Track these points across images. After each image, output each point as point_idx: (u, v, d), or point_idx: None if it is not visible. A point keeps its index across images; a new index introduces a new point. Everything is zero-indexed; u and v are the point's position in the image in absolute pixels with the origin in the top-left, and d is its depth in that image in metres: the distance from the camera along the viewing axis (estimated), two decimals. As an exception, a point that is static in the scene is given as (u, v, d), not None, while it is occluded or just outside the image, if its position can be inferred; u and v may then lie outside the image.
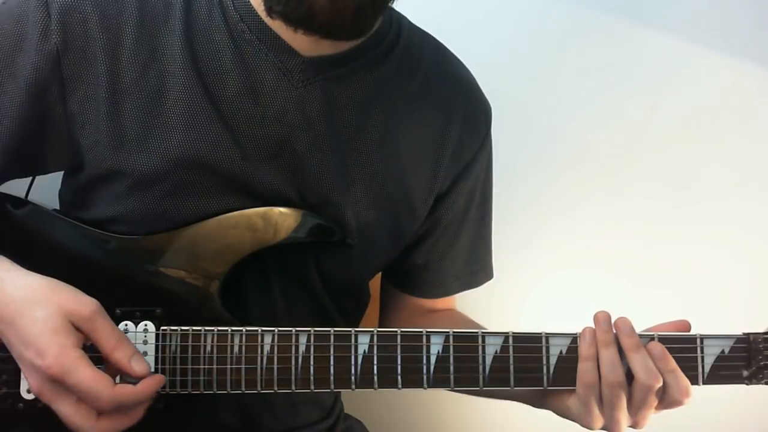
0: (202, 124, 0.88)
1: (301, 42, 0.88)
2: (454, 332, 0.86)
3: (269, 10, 0.84)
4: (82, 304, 0.77)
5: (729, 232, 1.39)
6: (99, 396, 0.74)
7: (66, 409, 0.75)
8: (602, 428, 0.87)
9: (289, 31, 0.86)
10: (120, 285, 0.88)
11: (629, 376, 0.84)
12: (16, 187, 0.94)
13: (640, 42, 1.36)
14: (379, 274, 1.12)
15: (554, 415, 0.91)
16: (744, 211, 1.39)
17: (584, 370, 0.85)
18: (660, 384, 0.83)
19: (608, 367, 0.84)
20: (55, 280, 0.78)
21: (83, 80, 0.87)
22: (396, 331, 0.86)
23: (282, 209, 0.90)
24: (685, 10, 1.36)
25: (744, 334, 0.87)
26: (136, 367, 0.78)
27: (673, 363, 0.84)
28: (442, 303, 1.11)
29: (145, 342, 0.85)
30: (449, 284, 1.08)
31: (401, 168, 0.97)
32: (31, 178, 0.95)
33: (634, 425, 0.86)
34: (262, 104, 0.90)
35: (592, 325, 0.86)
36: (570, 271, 1.38)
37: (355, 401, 1.15)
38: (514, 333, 0.86)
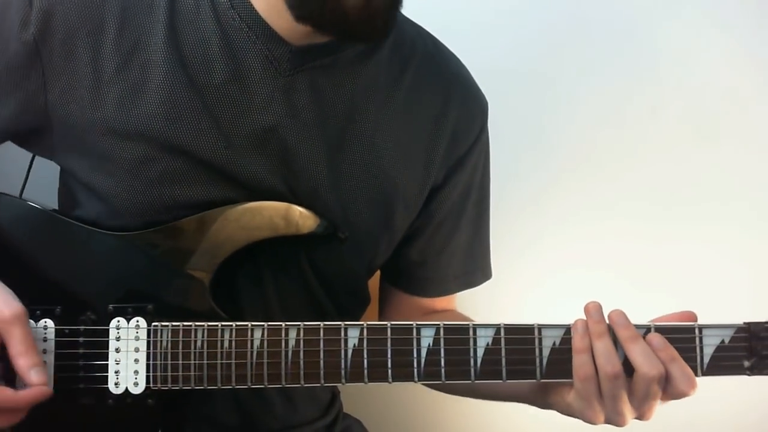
0: (184, 113, 0.88)
1: (291, 30, 0.88)
2: (444, 325, 0.84)
3: (298, 18, 0.84)
4: (7, 307, 0.79)
5: (729, 233, 1.37)
6: None
7: None
8: (606, 422, 0.85)
9: (281, 19, 0.86)
10: (112, 281, 0.88)
11: (629, 367, 0.81)
12: (14, 187, 0.95)
13: (641, 43, 1.36)
14: (379, 273, 1.11)
15: (555, 416, 0.90)
16: (744, 213, 1.37)
17: (579, 363, 0.82)
18: (662, 373, 0.80)
19: (604, 359, 0.81)
20: None
21: (64, 71, 0.88)
22: (386, 325, 0.84)
23: (266, 204, 0.89)
24: (686, 11, 1.35)
25: (744, 323, 0.84)
26: (34, 376, 0.79)
27: (674, 352, 0.81)
28: (441, 303, 1.09)
29: (137, 338, 0.85)
30: (447, 283, 1.07)
31: (393, 160, 0.96)
32: (25, 175, 0.97)
33: (639, 417, 0.83)
34: (249, 92, 0.89)
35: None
36: (570, 272, 1.37)
37: (354, 400, 1.14)
38: (505, 325, 0.84)
